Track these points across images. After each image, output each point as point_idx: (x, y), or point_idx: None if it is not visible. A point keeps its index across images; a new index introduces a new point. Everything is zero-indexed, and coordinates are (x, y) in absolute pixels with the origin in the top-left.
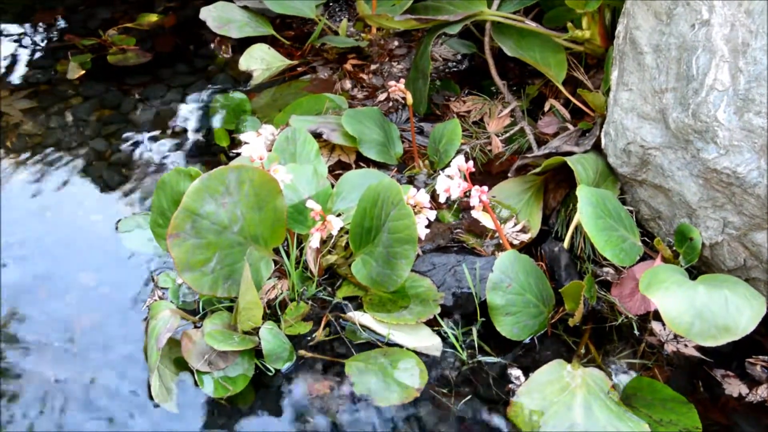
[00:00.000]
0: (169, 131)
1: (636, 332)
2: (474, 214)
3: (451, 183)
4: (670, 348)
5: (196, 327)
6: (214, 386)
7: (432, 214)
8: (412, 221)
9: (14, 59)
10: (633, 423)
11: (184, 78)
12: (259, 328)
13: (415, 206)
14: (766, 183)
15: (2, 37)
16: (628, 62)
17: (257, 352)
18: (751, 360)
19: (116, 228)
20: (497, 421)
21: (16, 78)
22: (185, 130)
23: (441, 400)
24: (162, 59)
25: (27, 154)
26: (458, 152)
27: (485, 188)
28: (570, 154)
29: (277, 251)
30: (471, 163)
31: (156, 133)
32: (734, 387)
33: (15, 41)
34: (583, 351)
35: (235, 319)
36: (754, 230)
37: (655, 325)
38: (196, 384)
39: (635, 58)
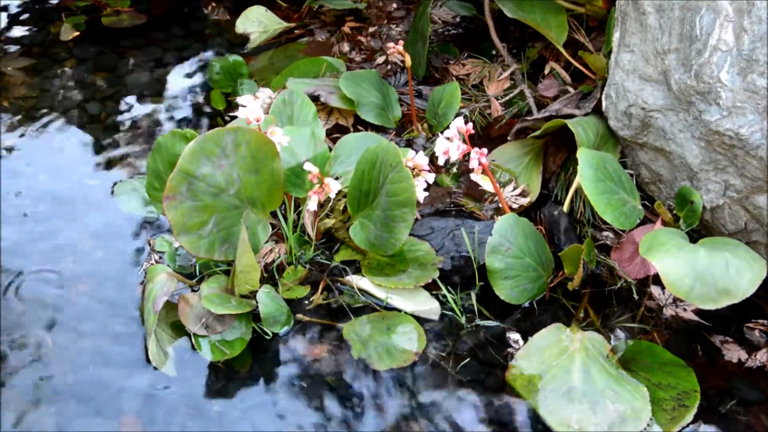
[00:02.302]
0: (164, 95)
1: (635, 296)
2: (473, 177)
3: (450, 145)
4: (669, 312)
5: (193, 290)
6: (212, 350)
7: (431, 177)
8: (410, 184)
9: (6, 21)
10: (631, 386)
11: (179, 41)
12: (257, 291)
13: (413, 169)
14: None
15: None
16: (631, 23)
17: (255, 316)
18: (750, 325)
19: (112, 192)
20: (496, 384)
21: (8, 40)
22: (181, 94)
23: (439, 364)
24: (157, 21)
25: (20, 117)
26: (457, 115)
27: (485, 151)
28: (570, 116)
29: (274, 215)
30: (470, 125)
31: (151, 96)
32: (733, 352)
33: (6, 2)
34: (582, 315)
35: (232, 283)
36: (755, 193)
37: (654, 289)
38: (193, 348)
39: (638, 19)
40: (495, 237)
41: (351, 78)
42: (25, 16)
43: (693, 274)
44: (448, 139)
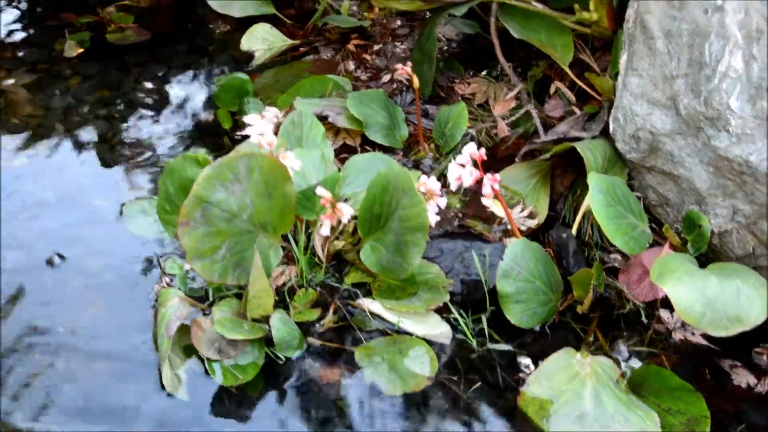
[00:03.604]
0: (170, 113)
1: (644, 319)
2: (484, 201)
3: (462, 171)
4: (677, 336)
5: (204, 314)
6: (224, 374)
7: (443, 202)
8: (423, 209)
9: (10, 38)
10: (642, 412)
11: (184, 58)
12: (269, 315)
13: (425, 193)
14: None
15: None
16: (638, 47)
17: (267, 340)
18: (758, 350)
19: (120, 213)
20: (508, 408)
21: (12, 57)
22: (187, 112)
23: (451, 388)
24: (161, 38)
25: (26, 136)
26: (464, 136)
27: (497, 176)
28: (578, 139)
29: (284, 237)
30: (483, 150)
31: (157, 114)
32: (742, 377)
33: (11, 20)
34: (591, 339)
35: (244, 307)
36: (763, 219)
37: (663, 313)
38: (206, 372)
39: (646, 43)
40: (506, 261)
41: (358, 98)
42: (29, 33)
43: (704, 300)
44: (461, 165)
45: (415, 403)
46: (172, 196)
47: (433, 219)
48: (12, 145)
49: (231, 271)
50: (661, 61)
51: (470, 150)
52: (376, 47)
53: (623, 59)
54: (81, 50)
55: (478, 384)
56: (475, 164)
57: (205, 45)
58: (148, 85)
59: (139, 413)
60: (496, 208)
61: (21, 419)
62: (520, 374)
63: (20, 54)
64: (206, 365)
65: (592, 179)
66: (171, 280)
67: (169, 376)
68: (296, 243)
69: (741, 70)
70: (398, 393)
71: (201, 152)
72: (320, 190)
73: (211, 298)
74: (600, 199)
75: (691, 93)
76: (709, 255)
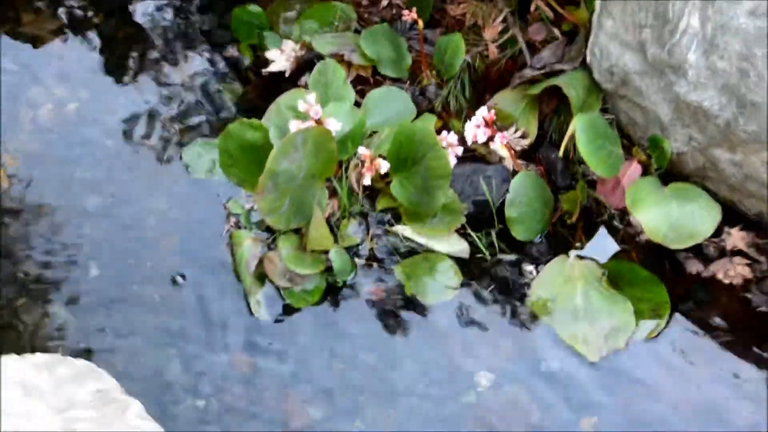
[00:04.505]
0: (196, 51)
1: (617, 224)
2: (493, 147)
3: (477, 131)
4: (643, 237)
5: (270, 248)
6: (296, 298)
7: (460, 150)
8: (447, 161)
9: None
10: (620, 303)
11: None
12: (328, 250)
13: (446, 146)
14: (724, 115)
15: None
16: None
17: (327, 268)
18: (705, 242)
19: (180, 158)
20: (518, 305)
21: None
22: (213, 46)
23: (473, 292)
24: None
25: (69, 83)
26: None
27: (506, 134)
28: (561, 71)
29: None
30: (493, 112)
31: (181, 50)
32: (693, 265)
33: None
34: (578, 244)
35: (304, 242)
36: (713, 147)
37: (633, 219)
38: (281, 296)
39: None
40: (512, 193)
41: (370, 37)
42: None
43: (667, 224)
44: (476, 126)
45: (450, 307)
46: (233, 153)
47: (452, 163)
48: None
49: (293, 218)
50: (632, 9)
51: (483, 113)
52: None
53: (598, 1)
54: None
55: (494, 287)
56: (487, 124)
57: None
58: (168, 18)
59: (228, 329)
60: (504, 152)
61: (119, 334)
62: (525, 278)
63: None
64: (282, 292)
65: (578, 121)
66: (237, 219)
67: (255, 304)
68: (339, 181)
69: (698, 28)
70: (434, 302)
71: (235, 86)
72: (362, 149)
73: (271, 234)
74: (584, 137)
75: (656, 43)
76: (669, 168)
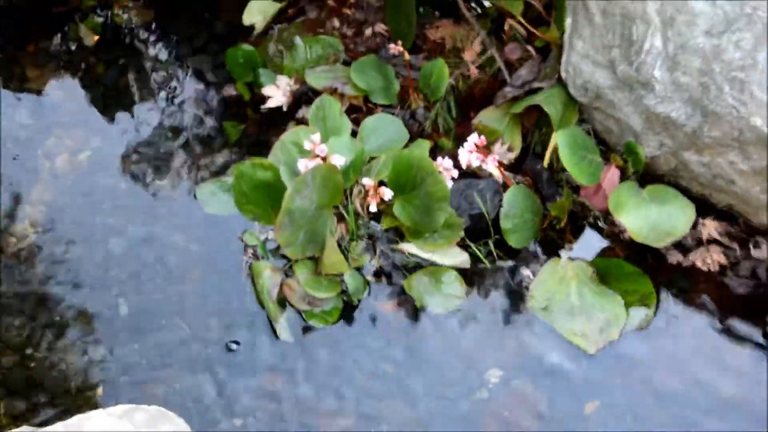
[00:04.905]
0: (194, 90)
1: (602, 224)
2: (485, 167)
3: (471, 156)
4: (626, 235)
5: (287, 275)
6: (317, 319)
7: (455, 173)
8: (444, 186)
9: (27, 28)
10: (611, 298)
11: (191, 30)
12: (342, 273)
13: (442, 171)
14: (691, 124)
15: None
16: (581, 18)
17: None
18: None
19: (194, 196)
20: (519, 307)
21: (36, 51)
22: (212, 86)
23: (477, 299)
24: (164, 13)
25: (83, 132)
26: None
27: (496, 156)
28: (539, 88)
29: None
30: (483, 137)
31: (181, 92)
32: (674, 256)
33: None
34: (568, 245)
35: (319, 267)
36: (682, 150)
37: (616, 219)
38: (302, 318)
39: (586, 16)
40: (505, 207)
41: (359, 70)
42: (41, 20)
43: (648, 226)
44: (469, 151)
45: (457, 316)
46: (247, 193)
47: (449, 186)
48: (64, 145)
49: (308, 247)
50: (600, 32)
51: (474, 140)
52: None
53: (568, 21)
54: (97, 37)
55: (496, 292)
56: (479, 148)
57: (206, 15)
58: (166, 63)
59: (255, 350)
60: (495, 171)
61: (155, 366)
62: (523, 281)
63: (41, 46)
64: (303, 315)
65: (560, 137)
66: (254, 250)
67: (277, 327)
68: (344, 208)
69: (660, 48)
70: (443, 311)
71: (236, 123)
72: (365, 180)
73: (287, 261)
74: (566, 151)
75: (625, 61)
76: (645, 171)
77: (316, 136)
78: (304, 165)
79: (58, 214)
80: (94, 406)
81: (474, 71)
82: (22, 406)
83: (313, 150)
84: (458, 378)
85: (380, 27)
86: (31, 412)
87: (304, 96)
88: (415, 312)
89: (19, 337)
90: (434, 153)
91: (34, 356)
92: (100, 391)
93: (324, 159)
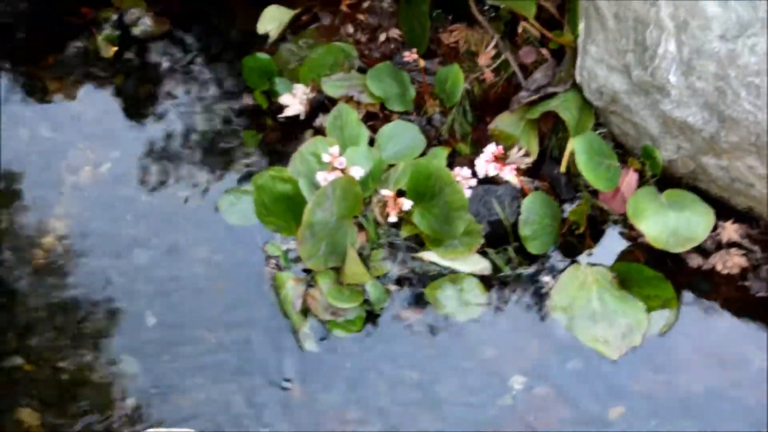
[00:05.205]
0: (212, 99)
1: (621, 228)
2: (503, 175)
3: (489, 166)
4: (646, 239)
5: (310, 285)
6: (340, 329)
7: (473, 182)
8: (463, 195)
9: (42, 40)
10: (633, 303)
11: (206, 40)
12: (364, 282)
13: (460, 180)
14: (708, 129)
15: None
16: (594, 23)
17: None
18: None
19: (216, 208)
20: (540, 313)
21: (54, 64)
22: (229, 95)
23: (499, 306)
24: (179, 23)
25: (100, 144)
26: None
27: (514, 165)
28: (555, 93)
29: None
30: (501, 147)
31: (198, 102)
32: (694, 260)
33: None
34: (588, 250)
35: (341, 277)
36: (700, 154)
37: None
38: (326, 328)
39: (599, 20)
40: (524, 213)
41: (375, 77)
42: (56, 31)
43: (667, 231)
44: (486, 161)
45: (479, 323)
46: (268, 205)
47: (467, 194)
48: (90, 159)
49: (329, 259)
50: (614, 37)
51: (491, 150)
52: (365, 4)
53: (582, 26)
54: (115, 48)
55: (517, 299)
56: (496, 158)
57: (221, 24)
58: (183, 73)
59: (281, 361)
60: (512, 179)
61: (184, 377)
62: (543, 288)
63: (60, 58)
64: (327, 325)
65: (577, 143)
66: (276, 260)
67: (301, 337)
68: (364, 216)
69: (675, 53)
70: (465, 319)
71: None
72: (384, 191)
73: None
74: (583, 157)
75: (639, 66)
76: (663, 174)
77: (335, 149)
78: (323, 177)
79: (84, 226)
80: (127, 418)
81: (489, 75)
82: (59, 419)
83: (332, 162)
84: (482, 385)
85: (394, 32)
86: (69, 425)
87: (320, 104)
88: (437, 319)
89: (50, 350)
90: (452, 157)
91: (66, 369)
92: (131, 402)
93: (343, 171)
